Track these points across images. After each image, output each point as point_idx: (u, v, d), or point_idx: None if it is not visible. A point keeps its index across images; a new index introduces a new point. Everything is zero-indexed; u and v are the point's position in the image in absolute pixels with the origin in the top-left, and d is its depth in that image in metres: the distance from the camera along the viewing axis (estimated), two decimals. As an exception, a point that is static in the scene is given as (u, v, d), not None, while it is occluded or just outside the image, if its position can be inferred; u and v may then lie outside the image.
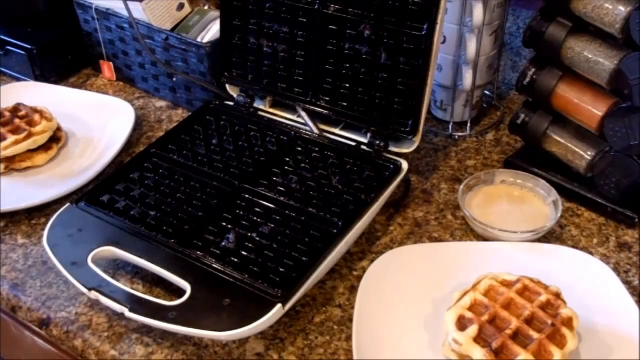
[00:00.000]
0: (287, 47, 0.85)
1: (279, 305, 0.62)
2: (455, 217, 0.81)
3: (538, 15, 0.78)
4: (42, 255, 0.77)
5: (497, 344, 0.59)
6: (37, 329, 0.72)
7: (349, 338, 0.67)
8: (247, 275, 0.66)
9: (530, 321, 0.62)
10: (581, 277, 0.70)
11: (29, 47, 1.04)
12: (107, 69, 1.07)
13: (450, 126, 0.95)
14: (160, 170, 0.81)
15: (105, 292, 0.66)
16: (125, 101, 0.99)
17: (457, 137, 0.95)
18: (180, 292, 0.66)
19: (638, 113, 0.73)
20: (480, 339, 0.61)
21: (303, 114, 0.87)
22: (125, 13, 0.95)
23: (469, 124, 0.96)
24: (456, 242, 0.78)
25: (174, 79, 1.00)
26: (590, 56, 0.75)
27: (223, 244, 0.70)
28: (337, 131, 0.86)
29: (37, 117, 0.90)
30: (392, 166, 0.79)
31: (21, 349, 0.85)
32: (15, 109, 0.92)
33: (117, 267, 0.74)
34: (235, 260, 0.69)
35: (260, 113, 0.90)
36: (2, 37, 1.06)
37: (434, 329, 0.66)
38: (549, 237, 0.78)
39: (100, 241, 0.71)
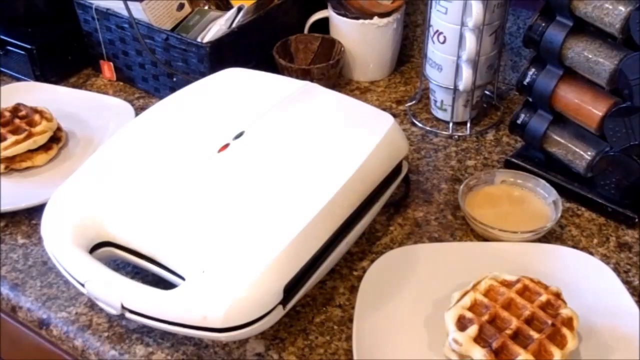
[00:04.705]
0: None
1: (279, 306, 0.62)
2: (455, 217, 0.81)
3: (538, 15, 0.78)
4: (42, 255, 0.77)
5: (497, 344, 0.59)
6: (37, 329, 0.72)
7: (349, 338, 0.67)
8: (247, 275, 0.66)
9: (530, 321, 0.62)
10: (581, 277, 0.70)
11: (29, 47, 1.04)
12: (107, 69, 1.07)
13: (450, 126, 0.96)
14: (160, 170, 0.81)
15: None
16: (125, 101, 0.99)
17: (457, 137, 0.95)
18: (180, 292, 0.66)
19: (638, 113, 0.73)
20: (480, 339, 0.61)
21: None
22: (125, 13, 0.95)
23: (469, 124, 0.96)
24: (456, 242, 0.78)
25: (174, 79, 1.00)
26: (590, 56, 0.75)
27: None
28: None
29: (37, 117, 0.90)
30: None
31: (21, 349, 0.85)
32: (15, 109, 0.92)
33: (117, 267, 0.74)
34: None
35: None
36: (2, 37, 1.06)
37: (434, 329, 0.66)
38: (549, 237, 0.78)
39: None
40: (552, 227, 0.77)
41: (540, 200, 0.80)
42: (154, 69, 1.01)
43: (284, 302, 0.63)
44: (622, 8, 0.71)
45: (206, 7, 1.03)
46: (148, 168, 0.71)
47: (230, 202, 0.67)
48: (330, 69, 1.00)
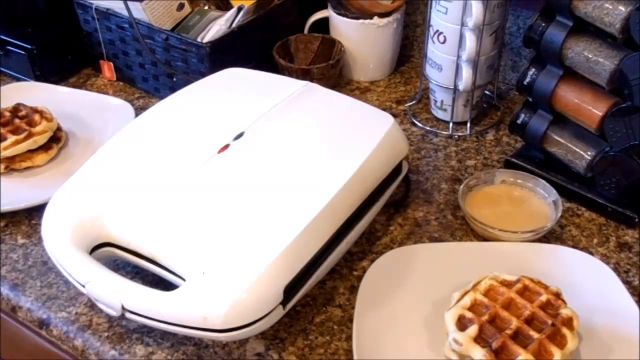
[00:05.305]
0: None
1: (279, 306, 0.62)
2: (455, 217, 0.81)
3: (538, 15, 0.78)
4: (42, 255, 0.77)
5: (497, 344, 0.59)
6: (37, 329, 0.72)
7: (349, 338, 0.67)
8: (247, 276, 0.66)
9: (530, 321, 0.62)
10: (581, 277, 0.70)
11: (29, 47, 1.04)
12: (107, 69, 1.07)
13: (450, 126, 0.96)
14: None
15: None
16: (125, 101, 0.99)
17: (457, 137, 0.95)
18: (180, 292, 0.66)
19: (638, 113, 0.73)
20: (480, 339, 0.61)
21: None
22: (125, 13, 0.95)
23: (468, 124, 0.96)
24: (456, 242, 0.78)
25: (174, 79, 1.00)
26: (590, 56, 0.75)
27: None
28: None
29: (37, 117, 0.90)
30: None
31: (21, 349, 0.85)
32: (15, 109, 0.92)
33: (117, 267, 0.74)
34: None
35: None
36: (2, 37, 1.06)
37: (434, 329, 0.66)
38: (549, 237, 0.78)
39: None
40: (552, 227, 0.77)
41: (540, 200, 0.80)
42: (154, 69, 1.01)
43: (284, 302, 0.63)
44: (622, 8, 0.71)
45: (206, 7, 1.03)
46: (148, 169, 0.71)
47: (231, 202, 0.67)
48: (330, 69, 1.00)
